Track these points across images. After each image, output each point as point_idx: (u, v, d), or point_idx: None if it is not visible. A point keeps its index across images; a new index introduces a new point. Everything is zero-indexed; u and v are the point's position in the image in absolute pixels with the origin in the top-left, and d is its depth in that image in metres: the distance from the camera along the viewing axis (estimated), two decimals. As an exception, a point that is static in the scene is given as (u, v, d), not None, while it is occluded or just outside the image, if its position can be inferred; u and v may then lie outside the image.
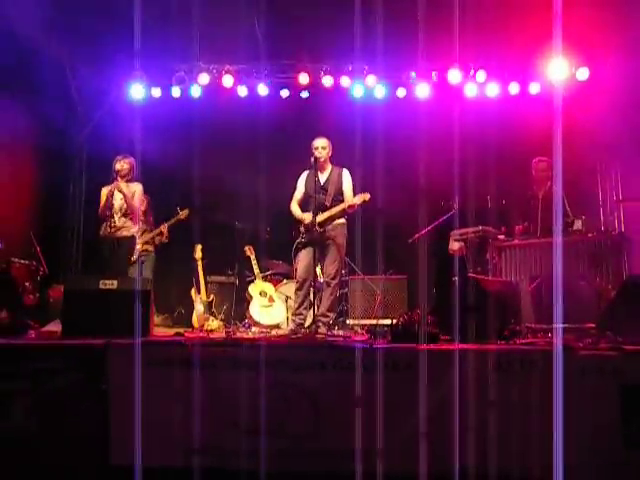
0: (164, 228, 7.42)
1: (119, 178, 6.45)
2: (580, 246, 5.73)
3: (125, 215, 6.40)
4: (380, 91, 8.16)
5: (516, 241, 6.09)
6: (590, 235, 5.80)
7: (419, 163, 8.05)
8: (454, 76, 7.93)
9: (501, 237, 6.19)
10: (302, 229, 6.10)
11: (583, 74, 7.64)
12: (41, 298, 6.60)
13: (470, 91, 8.07)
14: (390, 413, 3.56)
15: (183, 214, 7.19)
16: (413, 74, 8.04)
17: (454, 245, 6.45)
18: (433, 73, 8.02)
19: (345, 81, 8.16)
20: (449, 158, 7.02)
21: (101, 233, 6.43)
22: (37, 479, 3.79)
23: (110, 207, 6.33)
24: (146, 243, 6.90)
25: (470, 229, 6.38)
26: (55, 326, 5.28)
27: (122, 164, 6.50)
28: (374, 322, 6.81)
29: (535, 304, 5.98)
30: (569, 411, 3.38)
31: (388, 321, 5.60)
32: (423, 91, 8.13)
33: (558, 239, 5.67)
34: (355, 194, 6.07)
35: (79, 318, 4.58)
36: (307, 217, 6.01)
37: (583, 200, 7.25)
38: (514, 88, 8.08)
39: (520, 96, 8.10)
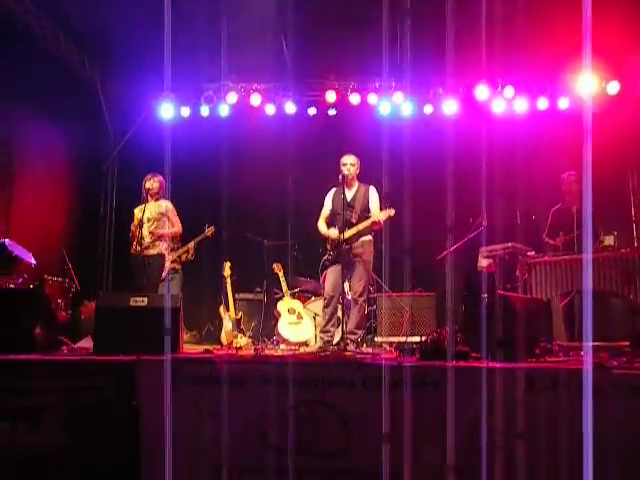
0: (191, 245, 7.52)
1: (149, 197, 6.55)
2: (612, 262, 5.64)
3: (154, 234, 6.47)
4: (407, 108, 8.17)
5: (546, 258, 6.00)
6: (623, 251, 5.70)
7: (447, 179, 8.02)
8: (481, 92, 7.91)
9: (531, 254, 6.11)
10: (329, 246, 6.11)
11: (613, 88, 7.56)
12: (73, 315, 6.67)
13: (498, 107, 8.04)
14: (419, 431, 3.52)
15: (209, 231, 7.26)
16: (440, 90, 8.04)
17: (483, 262, 6.39)
18: (460, 89, 8.01)
19: (372, 98, 8.20)
20: (477, 174, 6.97)
21: (131, 251, 6.51)
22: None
23: (140, 226, 6.41)
24: (174, 261, 6.96)
25: (499, 246, 6.31)
26: (87, 342, 5.36)
27: (151, 183, 6.60)
28: (403, 339, 6.76)
29: (567, 321, 5.89)
30: (602, 431, 3.31)
31: (417, 338, 5.56)
32: (450, 108, 8.13)
33: (588, 255, 5.58)
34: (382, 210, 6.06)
35: (110, 335, 4.63)
36: (333, 233, 6.02)
37: (616, 216, 7.16)
38: (542, 103, 8.02)
39: (549, 111, 8.05)
